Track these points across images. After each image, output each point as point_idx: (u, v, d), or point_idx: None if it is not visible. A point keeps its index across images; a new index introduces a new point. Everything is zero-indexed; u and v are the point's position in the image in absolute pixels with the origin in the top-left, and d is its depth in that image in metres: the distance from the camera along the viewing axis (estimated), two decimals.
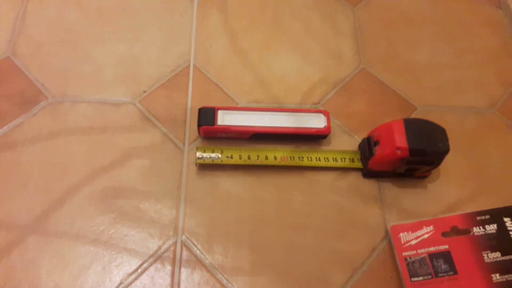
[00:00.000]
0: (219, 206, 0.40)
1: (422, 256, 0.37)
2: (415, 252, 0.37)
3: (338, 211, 0.40)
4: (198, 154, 0.41)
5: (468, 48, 0.50)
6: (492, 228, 0.38)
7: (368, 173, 0.41)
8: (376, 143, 0.39)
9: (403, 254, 0.37)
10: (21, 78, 0.45)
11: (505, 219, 0.38)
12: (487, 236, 0.37)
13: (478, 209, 0.39)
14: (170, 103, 0.45)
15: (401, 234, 0.38)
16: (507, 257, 0.36)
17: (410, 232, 0.38)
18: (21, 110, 0.43)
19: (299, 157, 0.41)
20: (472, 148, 0.44)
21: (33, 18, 0.49)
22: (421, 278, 0.36)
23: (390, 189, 0.42)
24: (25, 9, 0.50)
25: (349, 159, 0.42)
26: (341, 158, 0.42)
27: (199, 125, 0.41)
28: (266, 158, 0.41)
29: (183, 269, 0.37)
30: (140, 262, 0.37)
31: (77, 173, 0.41)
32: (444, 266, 0.36)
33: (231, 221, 0.39)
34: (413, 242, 0.38)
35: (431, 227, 0.38)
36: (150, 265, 0.37)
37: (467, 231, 0.38)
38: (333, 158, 0.42)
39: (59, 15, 0.49)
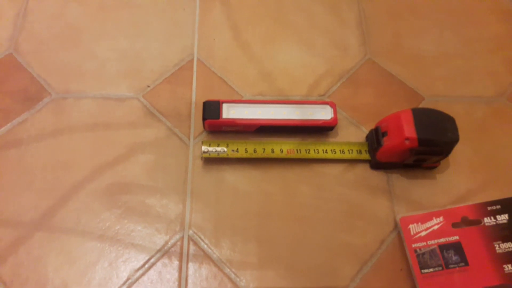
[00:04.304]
0: (225, 200, 0.40)
1: (432, 247, 0.36)
2: (425, 243, 0.37)
3: (346, 203, 0.40)
4: (204, 148, 0.40)
5: (475, 36, 0.50)
6: (503, 218, 0.37)
7: (376, 165, 0.41)
8: (384, 134, 0.39)
9: (413, 245, 0.37)
10: (24, 75, 0.45)
11: None
12: (498, 226, 0.37)
13: (489, 199, 0.38)
14: (174, 97, 0.44)
15: (410, 226, 0.38)
16: None
17: (419, 223, 0.38)
18: (24, 107, 0.43)
19: (305, 150, 0.41)
20: (481, 138, 0.43)
21: (35, 14, 0.49)
22: (431, 269, 0.36)
23: (398, 181, 0.41)
24: (26, 6, 0.49)
25: (357, 150, 0.41)
26: (349, 150, 0.41)
27: (204, 118, 0.41)
28: (272, 151, 0.40)
29: (190, 264, 0.37)
30: (147, 258, 0.37)
31: (82, 169, 0.40)
32: (454, 258, 0.36)
33: (238, 215, 0.39)
34: (423, 233, 0.37)
35: (441, 218, 0.38)
36: (157, 260, 0.37)
37: (477, 222, 0.37)
38: (340, 150, 0.41)
39: (60, 11, 0.49)
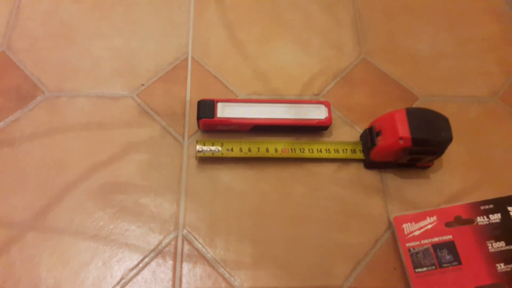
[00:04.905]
0: (220, 200, 0.39)
1: (425, 246, 0.37)
2: (418, 243, 0.37)
3: (340, 202, 0.40)
4: (198, 147, 0.40)
5: (469, 37, 0.50)
6: (496, 217, 0.37)
7: (370, 164, 0.41)
8: (378, 133, 0.39)
9: (407, 245, 0.37)
10: (17, 73, 0.44)
11: (509, 208, 0.37)
12: (491, 225, 0.37)
13: (482, 199, 0.38)
14: (169, 96, 0.44)
15: (404, 225, 0.38)
16: None
17: (413, 222, 0.38)
18: (17, 105, 0.43)
19: (300, 149, 0.41)
20: (474, 137, 0.44)
21: (28, 12, 0.48)
22: (425, 269, 0.36)
23: (392, 180, 0.41)
24: (19, 3, 0.49)
25: (351, 150, 0.41)
26: (343, 149, 0.41)
27: (198, 118, 0.40)
28: (267, 150, 0.40)
29: (184, 264, 0.37)
30: (141, 257, 0.37)
31: (76, 169, 0.40)
32: (448, 257, 0.36)
33: (232, 214, 0.39)
34: (417, 232, 0.37)
35: (435, 218, 0.38)
36: (151, 260, 0.37)
37: (471, 221, 0.38)
38: (334, 150, 0.41)
39: (54, 8, 0.49)
